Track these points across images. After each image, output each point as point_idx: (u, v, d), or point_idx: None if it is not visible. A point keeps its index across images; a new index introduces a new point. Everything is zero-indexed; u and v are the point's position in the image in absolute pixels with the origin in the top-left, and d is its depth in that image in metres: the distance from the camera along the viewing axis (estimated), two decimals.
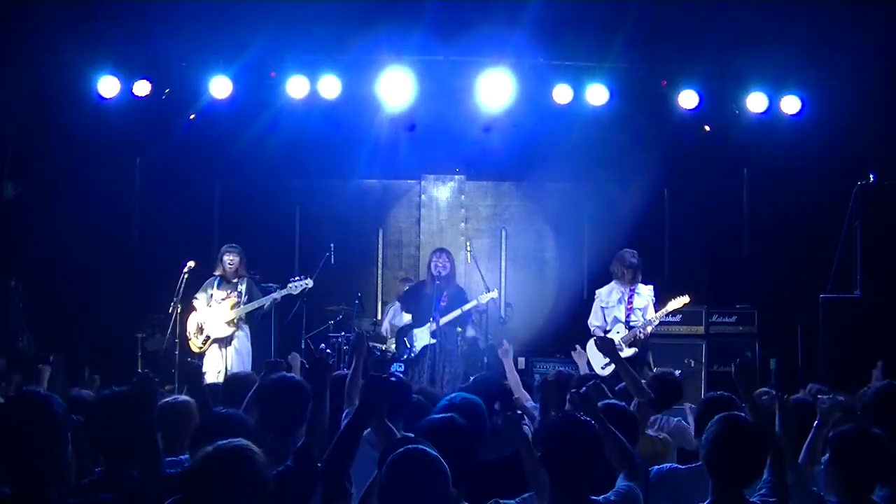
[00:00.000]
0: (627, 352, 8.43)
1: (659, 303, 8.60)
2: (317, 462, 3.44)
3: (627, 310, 8.54)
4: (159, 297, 9.25)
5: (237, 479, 2.76)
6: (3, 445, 3.22)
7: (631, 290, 8.58)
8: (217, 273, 9.01)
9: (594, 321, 8.64)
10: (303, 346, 9.61)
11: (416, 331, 8.75)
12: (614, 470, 3.68)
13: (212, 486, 2.76)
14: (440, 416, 3.80)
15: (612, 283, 8.71)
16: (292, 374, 4.25)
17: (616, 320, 8.57)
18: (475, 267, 9.66)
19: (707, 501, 3.44)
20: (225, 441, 2.85)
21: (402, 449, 2.97)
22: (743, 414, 3.68)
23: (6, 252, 9.89)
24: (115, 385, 3.75)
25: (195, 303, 8.91)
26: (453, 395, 4.33)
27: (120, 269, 10.54)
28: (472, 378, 5.80)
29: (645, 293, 8.59)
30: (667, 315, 8.73)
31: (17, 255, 10.06)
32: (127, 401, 3.51)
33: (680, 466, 4.03)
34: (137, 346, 9.72)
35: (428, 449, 2.99)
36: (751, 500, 3.49)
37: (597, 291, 8.85)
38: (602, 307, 8.67)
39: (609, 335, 8.40)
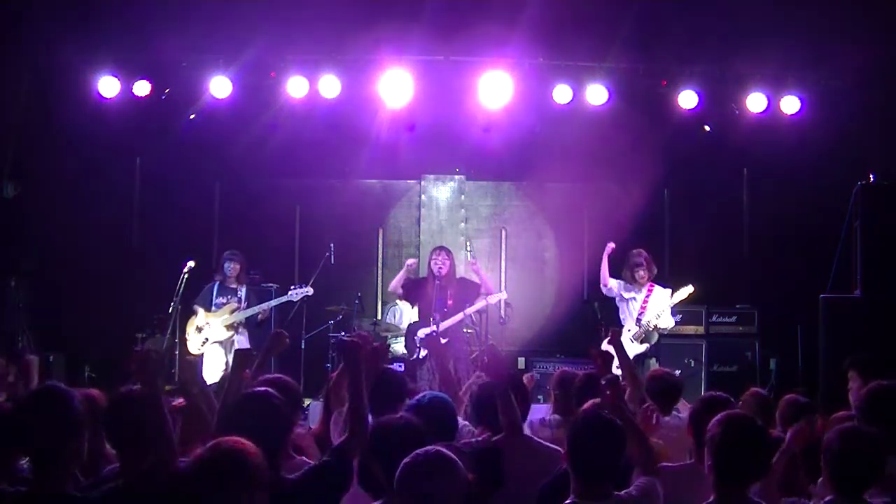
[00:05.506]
0: (639, 348, 8.44)
1: None
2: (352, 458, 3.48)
3: (641, 308, 8.56)
4: (159, 297, 9.29)
5: (231, 479, 2.82)
6: (25, 437, 3.27)
7: (649, 290, 8.60)
8: (217, 279, 9.30)
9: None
10: (303, 347, 9.62)
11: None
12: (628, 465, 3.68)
13: (209, 485, 2.81)
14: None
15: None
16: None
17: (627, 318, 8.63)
18: None
19: (710, 500, 3.45)
20: (226, 438, 2.92)
21: (418, 452, 2.93)
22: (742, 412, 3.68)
23: (6, 252, 9.88)
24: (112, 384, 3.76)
25: (196, 307, 9.18)
26: (422, 394, 4.27)
27: (120, 269, 10.54)
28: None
29: (662, 295, 8.60)
30: (672, 311, 8.74)
31: (16, 255, 10.05)
32: (139, 396, 3.54)
33: (664, 466, 4.05)
34: (137, 347, 9.71)
35: (445, 451, 2.95)
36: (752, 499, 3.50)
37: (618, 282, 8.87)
38: (620, 293, 8.72)
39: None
